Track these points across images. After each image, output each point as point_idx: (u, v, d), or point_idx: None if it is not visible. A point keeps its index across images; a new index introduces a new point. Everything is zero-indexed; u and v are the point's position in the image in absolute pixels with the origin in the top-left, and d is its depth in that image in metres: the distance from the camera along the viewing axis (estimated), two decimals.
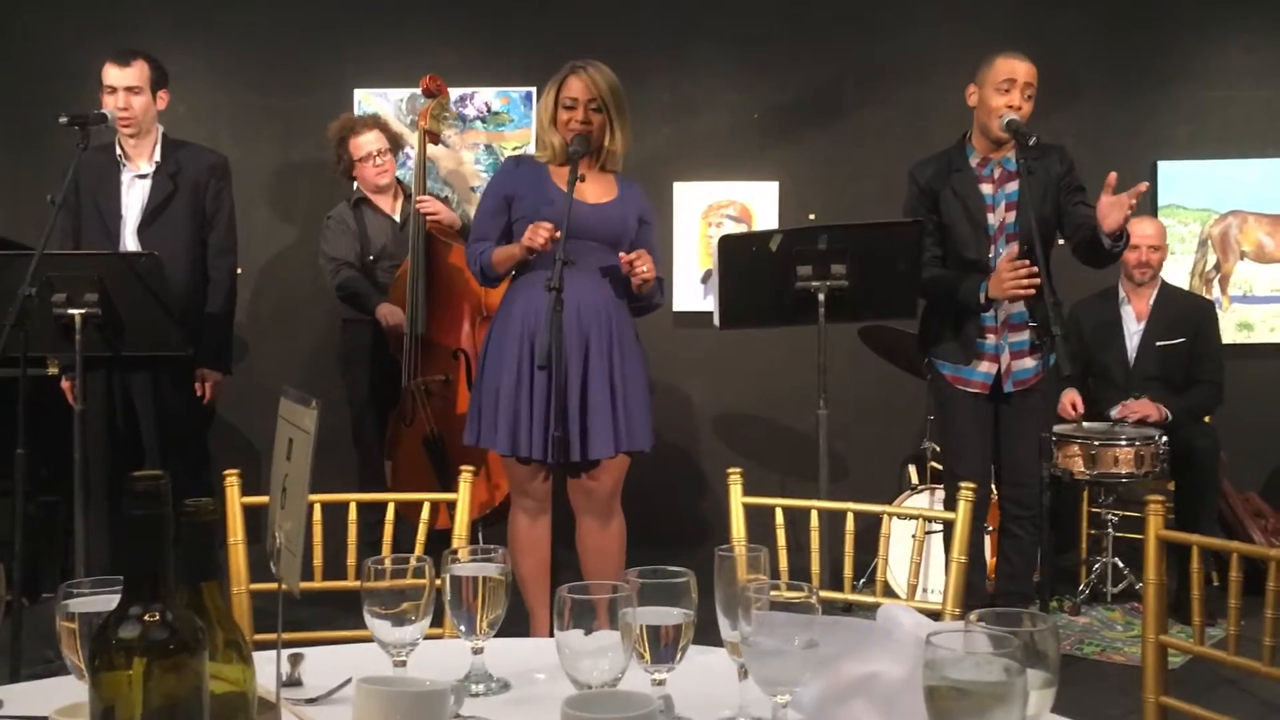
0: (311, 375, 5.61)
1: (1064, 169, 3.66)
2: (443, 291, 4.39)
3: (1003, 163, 3.62)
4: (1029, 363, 3.68)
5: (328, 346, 5.75)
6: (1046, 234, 3.58)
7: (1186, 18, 5.58)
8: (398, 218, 4.66)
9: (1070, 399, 4.57)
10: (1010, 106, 3.59)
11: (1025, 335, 3.65)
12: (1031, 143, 3.46)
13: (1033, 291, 3.48)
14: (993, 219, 3.69)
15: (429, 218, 4.37)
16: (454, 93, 5.64)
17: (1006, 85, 3.61)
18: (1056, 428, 4.36)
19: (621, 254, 3.28)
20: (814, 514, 2.19)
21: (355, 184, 4.78)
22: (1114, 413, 4.56)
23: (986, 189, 3.70)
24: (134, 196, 3.99)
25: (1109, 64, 5.56)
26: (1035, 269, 3.43)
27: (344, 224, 4.62)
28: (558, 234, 3.15)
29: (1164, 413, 4.50)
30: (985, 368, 3.72)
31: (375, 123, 4.69)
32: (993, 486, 4.02)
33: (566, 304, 3.10)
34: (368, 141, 4.56)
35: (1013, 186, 3.62)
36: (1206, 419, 4.74)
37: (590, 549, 3.43)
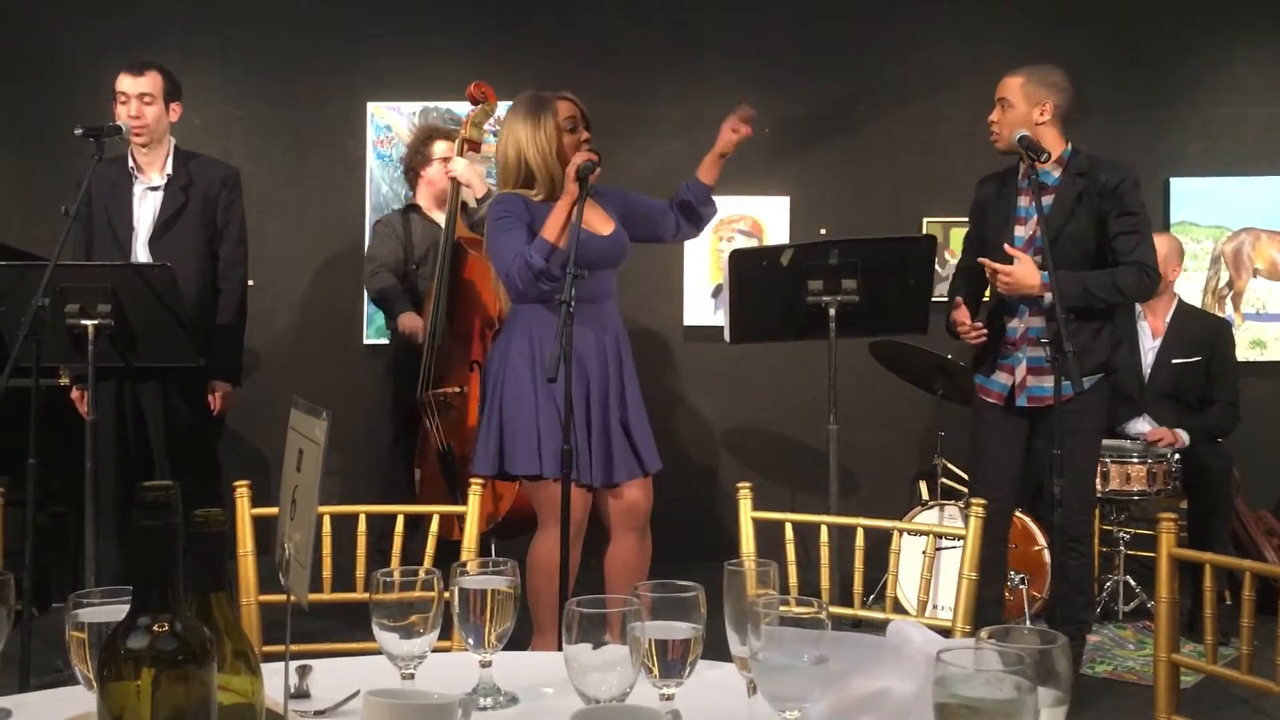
0: (321, 387, 5.62)
1: (1111, 187, 3.56)
2: (462, 302, 4.41)
3: (1042, 176, 3.60)
4: (1046, 382, 3.62)
5: (338, 358, 5.77)
6: (1071, 253, 3.53)
7: (1197, 36, 5.58)
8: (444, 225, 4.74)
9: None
10: (991, 123, 3.68)
11: (1044, 352, 3.62)
12: (1044, 159, 3.48)
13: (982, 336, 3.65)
14: (1021, 231, 3.66)
15: (449, 173, 4.46)
16: (465, 107, 5.66)
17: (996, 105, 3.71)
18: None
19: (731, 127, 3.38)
20: (824, 529, 2.18)
21: (411, 192, 4.84)
22: (1133, 428, 4.57)
23: (1022, 201, 3.69)
24: (146, 208, 4.00)
25: (1120, 81, 5.55)
26: (982, 331, 3.62)
27: (391, 229, 4.71)
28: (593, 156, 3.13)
29: (1181, 439, 4.49)
30: (1003, 378, 3.70)
31: (453, 135, 4.85)
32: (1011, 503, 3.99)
33: (580, 328, 3.07)
34: (446, 148, 4.68)
35: (1047, 200, 3.56)
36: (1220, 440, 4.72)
37: (631, 565, 3.35)
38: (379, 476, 5.13)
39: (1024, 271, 3.52)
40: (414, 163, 4.77)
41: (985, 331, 3.68)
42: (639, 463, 3.33)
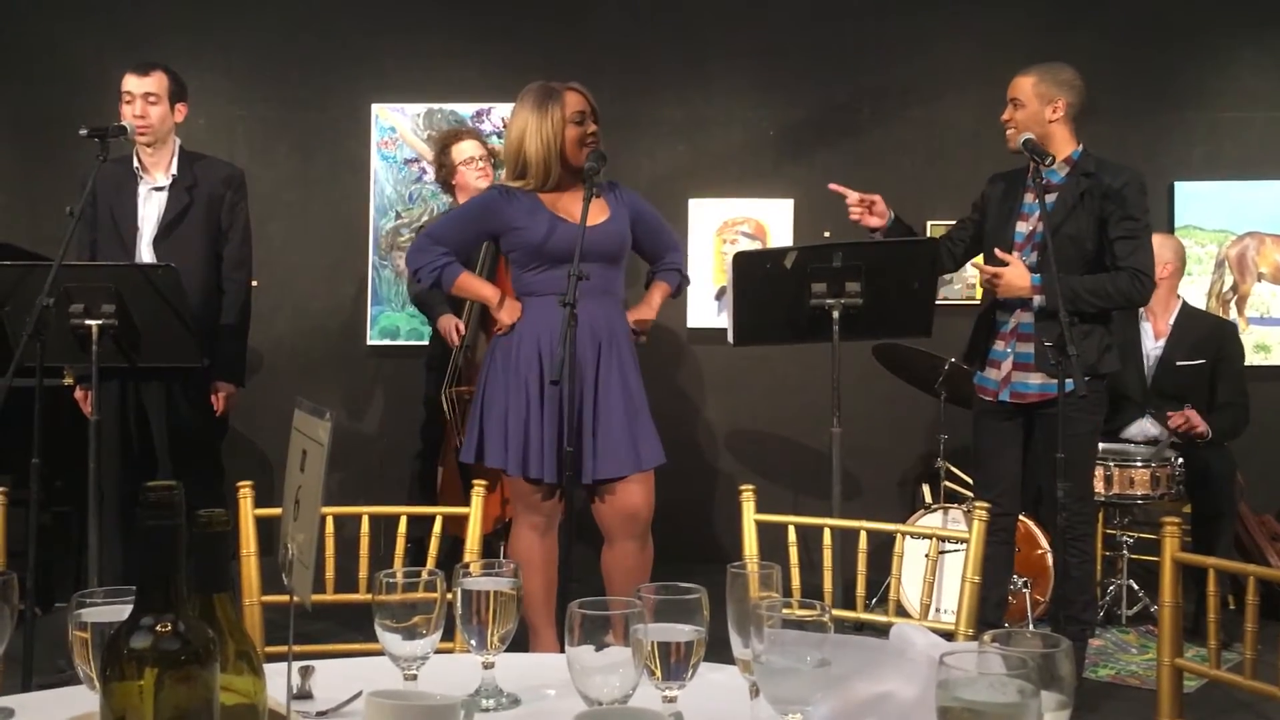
0: (324, 388, 5.63)
1: (1115, 190, 3.54)
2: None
3: (1049, 174, 3.59)
4: (1033, 379, 3.61)
5: (341, 359, 5.78)
6: (1068, 252, 3.52)
7: (1202, 40, 5.58)
8: None
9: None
10: (1004, 121, 3.67)
11: (1031, 348, 3.61)
12: (1048, 162, 3.48)
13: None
14: (1022, 227, 3.66)
15: None
16: (470, 108, 5.69)
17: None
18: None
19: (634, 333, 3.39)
20: (827, 532, 2.18)
21: (453, 199, 4.82)
22: (1137, 432, 4.57)
23: (1027, 197, 3.69)
24: (150, 208, 4.01)
25: (1125, 86, 5.55)
26: (868, 199, 3.75)
27: None
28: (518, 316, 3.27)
29: (1206, 428, 4.49)
30: (992, 374, 3.70)
31: (475, 134, 4.85)
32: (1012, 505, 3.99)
33: (578, 322, 3.04)
34: (470, 147, 4.67)
35: (1051, 198, 3.56)
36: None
37: (631, 569, 3.32)
38: (381, 476, 5.12)
39: (1014, 274, 3.53)
40: (442, 176, 4.74)
41: (872, 200, 3.77)
42: (605, 466, 3.25)
